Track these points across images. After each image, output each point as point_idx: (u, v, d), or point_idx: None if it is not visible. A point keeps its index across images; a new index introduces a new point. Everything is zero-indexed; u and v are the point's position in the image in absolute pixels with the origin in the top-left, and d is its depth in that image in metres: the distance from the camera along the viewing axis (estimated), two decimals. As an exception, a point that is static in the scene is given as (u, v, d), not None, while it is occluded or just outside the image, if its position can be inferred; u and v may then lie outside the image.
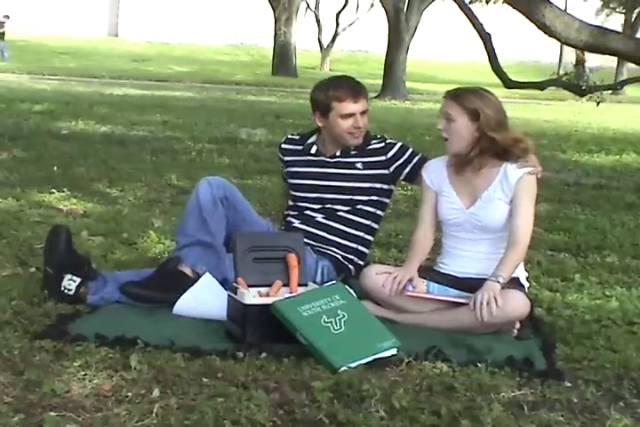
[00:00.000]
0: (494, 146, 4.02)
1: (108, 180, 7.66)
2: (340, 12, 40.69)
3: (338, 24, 40.70)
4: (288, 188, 4.78)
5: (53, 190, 6.90)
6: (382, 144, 4.54)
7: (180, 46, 43.68)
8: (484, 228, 4.09)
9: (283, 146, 4.76)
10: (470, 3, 25.34)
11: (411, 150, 4.53)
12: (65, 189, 6.96)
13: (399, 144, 4.52)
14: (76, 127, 11.99)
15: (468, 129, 4.02)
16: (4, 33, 33.68)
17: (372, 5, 39.12)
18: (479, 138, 4.02)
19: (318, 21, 41.48)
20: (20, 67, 28.02)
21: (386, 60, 26.35)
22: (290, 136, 4.80)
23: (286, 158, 4.71)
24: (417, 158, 4.50)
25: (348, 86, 4.50)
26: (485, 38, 9.71)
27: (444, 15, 36.65)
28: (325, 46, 40.98)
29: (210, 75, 30.82)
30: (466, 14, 9.69)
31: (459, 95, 4.07)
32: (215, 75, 31.19)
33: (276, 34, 34.87)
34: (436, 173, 4.24)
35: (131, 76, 27.65)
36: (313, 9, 41.48)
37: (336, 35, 40.79)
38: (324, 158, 4.57)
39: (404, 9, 25.90)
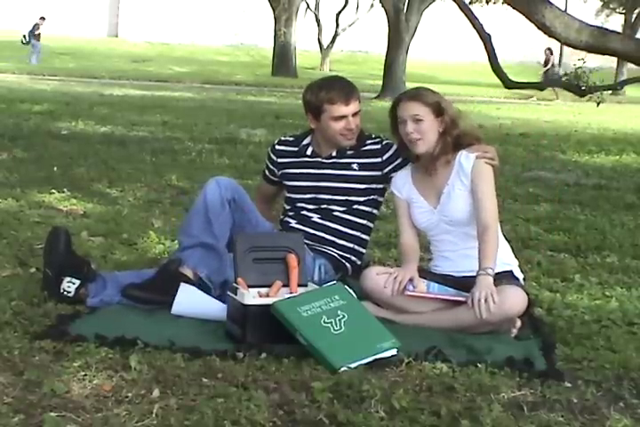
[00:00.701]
0: (455, 138, 4.09)
1: (107, 180, 7.66)
2: (339, 12, 40.69)
3: (338, 24, 40.69)
4: (268, 188, 4.85)
5: (53, 191, 6.90)
6: (379, 146, 4.54)
7: (180, 47, 43.67)
8: (453, 222, 4.14)
9: (277, 147, 4.74)
10: (470, 3, 25.33)
11: (403, 157, 4.54)
12: (65, 190, 6.96)
13: (395, 146, 4.52)
14: (76, 128, 11.99)
15: (435, 125, 4.11)
16: (39, 34, 34.19)
17: (371, 6, 39.13)
18: (444, 130, 4.10)
19: (318, 22, 41.48)
20: (20, 67, 28.00)
21: (386, 61, 26.34)
22: (283, 138, 4.79)
23: (280, 160, 4.68)
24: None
25: (340, 88, 4.49)
26: (485, 39, 9.71)
27: (444, 15, 36.65)
28: (325, 47, 40.98)
29: (210, 75, 30.82)
30: (466, 15, 9.70)
31: (417, 95, 4.17)
32: (215, 75, 31.18)
33: (275, 34, 34.85)
34: (401, 182, 4.33)
35: (131, 77, 27.65)
36: (313, 9, 41.49)
37: (336, 35, 40.79)
38: (319, 159, 4.57)
39: (404, 9, 25.89)
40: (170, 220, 6.05)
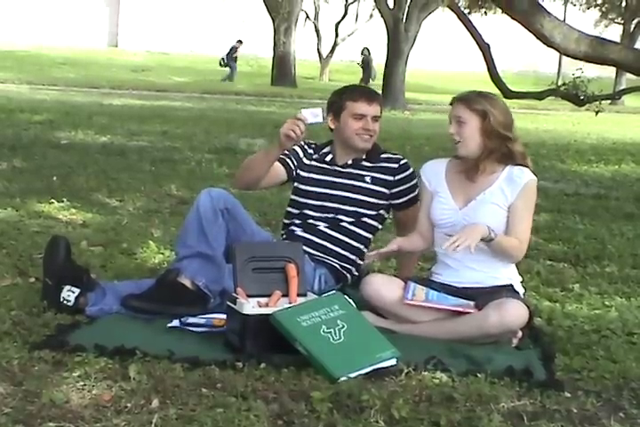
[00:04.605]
0: (501, 148, 4.05)
1: (107, 190, 7.66)
2: (339, 22, 40.71)
3: (337, 34, 40.71)
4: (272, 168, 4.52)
5: (53, 200, 6.90)
6: (396, 165, 4.58)
7: (180, 56, 43.68)
8: None
9: (307, 148, 4.69)
10: (469, 13, 25.29)
11: (415, 182, 4.58)
12: (64, 199, 6.96)
13: (410, 171, 4.58)
14: (76, 137, 11.98)
15: (478, 131, 4.05)
16: (236, 57, 36.16)
17: (371, 16, 39.14)
18: (488, 140, 4.04)
19: (317, 32, 41.52)
20: (20, 77, 28.01)
21: (385, 71, 26.35)
22: (309, 141, 4.75)
23: (305, 160, 4.66)
24: (413, 195, 4.58)
25: (363, 90, 4.68)
26: (484, 48, 9.73)
27: (443, 25, 36.68)
28: (325, 56, 40.98)
29: (209, 85, 30.81)
30: (465, 25, 9.73)
31: (467, 98, 4.12)
32: (215, 85, 31.18)
33: (275, 44, 34.88)
34: (432, 173, 4.27)
35: (130, 87, 27.63)
36: (312, 19, 41.51)
37: (335, 45, 40.80)
38: (336, 168, 4.59)
39: (403, 19, 25.91)
40: (169, 229, 6.05)
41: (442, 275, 4.21)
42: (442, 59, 45.86)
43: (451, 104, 4.19)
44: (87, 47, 43.71)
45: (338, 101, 4.55)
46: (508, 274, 4.14)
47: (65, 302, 4.06)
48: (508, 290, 4.05)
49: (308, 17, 40.37)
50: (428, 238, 4.28)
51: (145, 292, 4.10)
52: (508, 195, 4.06)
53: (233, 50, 36.52)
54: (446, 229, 4.15)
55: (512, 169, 4.09)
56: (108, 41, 48.54)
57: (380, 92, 25.11)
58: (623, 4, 37.01)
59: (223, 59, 36.28)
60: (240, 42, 37.03)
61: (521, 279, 4.27)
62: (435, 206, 4.20)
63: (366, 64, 35.88)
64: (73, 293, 4.07)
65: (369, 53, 35.93)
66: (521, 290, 4.20)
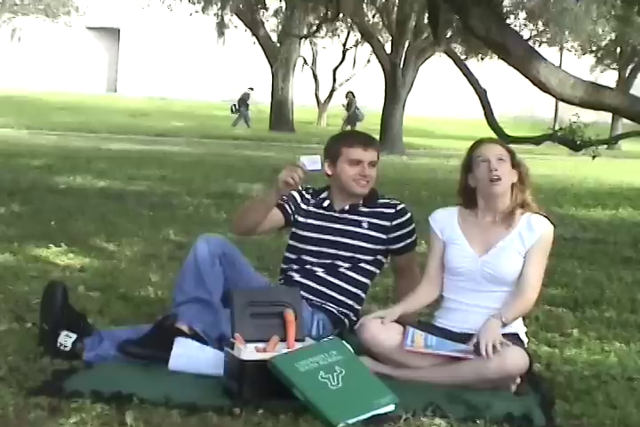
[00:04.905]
0: (524, 193, 4.11)
1: (105, 234, 7.66)
2: (336, 67, 40.99)
3: (335, 80, 40.99)
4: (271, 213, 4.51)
5: (51, 245, 6.90)
6: (392, 210, 4.57)
7: (179, 102, 43.95)
8: (494, 278, 4.09)
9: (305, 193, 4.68)
10: (466, 59, 25.53)
11: (413, 227, 4.58)
12: (62, 244, 6.96)
13: (408, 216, 4.58)
14: (74, 182, 12.01)
15: (511, 173, 4.12)
16: (248, 104, 36.56)
17: (368, 61, 39.40)
18: (515, 185, 4.12)
19: (315, 77, 41.79)
20: (19, 122, 28.14)
21: (383, 116, 26.50)
22: (307, 186, 4.75)
23: (302, 206, 4.66)
24: (411, 240, 4.58)
25: (360, 135, 4.70)
26: (481, 94, 9.79)
27: (440, 71, 36.95)
28: (323, 101, 41.23)
29: (208, 130, 30.96)
30: (462, 70, 9.79)
31: (497, 141, 4.32)
32: (213, 130, 31.33)
33: (273, 89, 35.12)
34: (444, 222, 4.27)
35: (129, 132, 27.77)
36: (310, 65, 41.80)
37: (333, 90, 41.05)
38: (333, 213, 4.59)
39: (401, 65, 26.13)
40: (167, 274, 6.04)
41: (445, 319, 4.20)
42: (439, 104, 46.11)
43: (474, 147, 4.20)
44: (87, 93, 43.97)
45: (334, 147, 4.57)
46: (514, 323, 4.12)
47: (62, 347, 4.04)
48: (513, 338, 4.02)
49: (305, 62, 40.63)
50: (437, 287, 4.27)
51: (142, 337, 4.08)
52: (527, 242, 4.08)
53: (244, 96, 36.82)
54: (463, 278, 4.16)
55: (531, 217, 4.12)
56: (107, 86, 48.88)
57: (377, 137, 25.24)
58: (618, 50, 37.33)
59: (234, 105, 36.66)
60: (251, 89, 37.47)
61: (525, 329, 4.26)
62: (452, 254, 4.19)
63: (351, 107, 36.10)
64: (70, 338, 4.06)
65: (353, 97, 36.24)
66: (525, 340, 4.18)
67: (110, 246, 7.21)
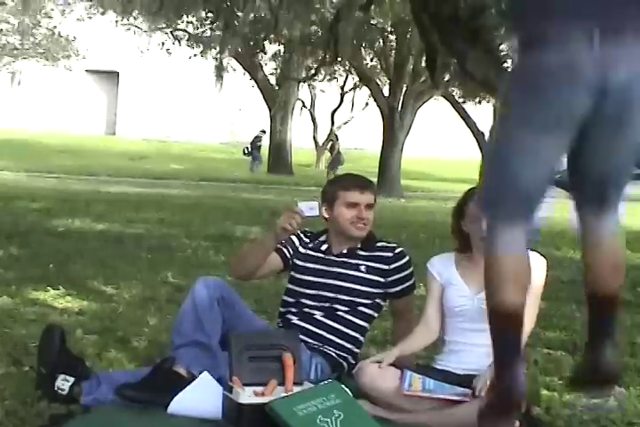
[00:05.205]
0: None
1: (103, 277, 7.65)
2: (335, 110, 41.19)
3: (333, 122, 41.18)
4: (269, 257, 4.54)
5: (49, 288, 6.89)
6: (390, 254, 4.58)
7: (177, 144, 44.12)
8: None
9: (303, 237, 4.69)
10: (463, 102, 25.70)
11: (411, 270, 4.59)
12: (60, 287, 6.95)
13: (406, 259, 4.58)
14: (73, 225, 12.01)
15: None
16: (260, 146, 36.85)
17: (366, 104, 39.65)
18: None
19: (314, 120, 41.99)
20: (18, 165, 28.23)
21: (381, 158, 26.63)
22: (306, 229, 4.75)
23: (301, 249, 4.67)
24: (409, 283, 4.58)
25: (356, 178, 4.66)
26: (479, 137, 9.85)
27: (438, 113, 37.17)
28: (321, 144, 41.39)
29: (206, 172, 31.05)
30: (459, 113, 9.85)
31: None
32: (211, 172, 31.42)
33: (271, 132, 35.32)
34: (442, 265, 4.32)
35: (128, 174, 27.86)
36: (308, 108, 42.04)
37: (331, 133, 41.27)
38: (331, 257, 4.59)
39: (399, 108, 26.29)
40: (165, 317, 6.03)
41: (447, 361, 4.21)
42: (437, 145, 46.33)
43: (465, 196, 4.26)
44: (86, 135, 44.16)
45: (331, 191, 4.58)
46: None
47: (59, 391, 4.02)
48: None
49: (304, 105, 40.87)
50: (435, 329, 4.29)
51: (140, 381, 4.06)
52: None
53: (256, 139, 36.97)
54: (462, 318, 4.19)
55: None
56: (106, 129, 49.12)
57: (375, 179, 25.36)
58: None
59: (247, 147, 36.82)
60: (263, 131, 37.67)
61: (525, 370, 4.24)
62: (450, 294, 4.24)
63: (334, 150, 36.13)
64: (67, 382, 4.04)
65: (336, 139, 36.29)
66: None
67: (108, 289, 7.20)
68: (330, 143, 36.71)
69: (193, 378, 4.06)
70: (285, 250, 4.61)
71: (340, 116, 41.48)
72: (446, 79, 18.22)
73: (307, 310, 4.53)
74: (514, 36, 3.10)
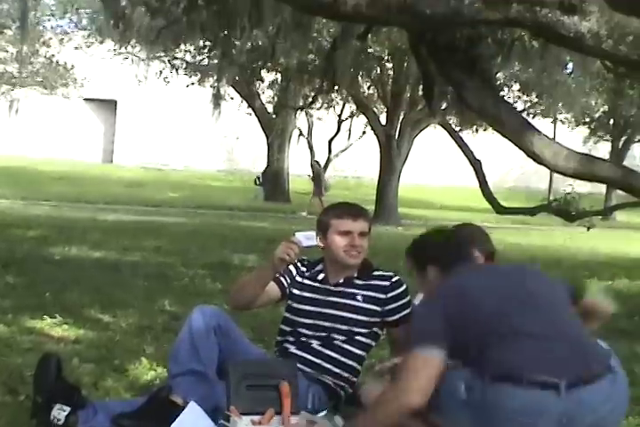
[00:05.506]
0: None
1: (100, 306, 7.63)
2: (332, 138, 41.21)
3: (330, 150, 41.22)
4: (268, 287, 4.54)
5: (45, 316, 6.88)
6: (387, 282, 4.58)
7: (175, 172, 44.16)
8: None
9: (300, 266, 4.67)
10: (460, 130, 25.78)
11: (408, 299, 4.59)
12: (57, 315, 6.94)
13: (403, 288, 4.58)
14: (70, 253, 12.00)
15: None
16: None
17: (363, 132, 39.69)
18: None
19: (311, 148, 42.00)
20: (14, 193, 28.22)
21: (378, 186, 26.66)
22: (303, 258, 4.73)
23: (298, 278, 4.66)
24: (406, 312, 4.56)
25: (349, 206, 4.65)
26: (476, 165, 9.87)
27: (435, 141, 37.26)
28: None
29: (203, 200, 31.05)
30: (456, 141, 9.88)
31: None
32: (208, 200, 31.42)
33: (269, 160, 35.37)
34: None
35: (125, 202, 27.85)
36: (306, 136, 42.11)
37: (328, 161, 41.25)
38: (328, 286, 4.58)
39: (396, 136, 26.36)
40: (162, 346, 6.00)
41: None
42: (435, 173, 46.41)
43: None
44: (82, 163, 44.20)
45: (324, 220, 4.57)
46: None
47: (55, 420, 4.01)
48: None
49: (301, 133, 40.95)
50: None
51: (137, 410, 4.06)
52: None
53: (268, 169, 37.12)
54: None
55: None
56: (104, 157, 49.16)
57: (372, 207, 25.31)
58: (611, 121, 37.71)
59: (258, 177, 36.78)
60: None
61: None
62: None
63: (317, 176, 35.87)
64: (63, 411, 4.02)
65: (320, 166, 36.22)
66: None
67: (105, 318, 7.19)
68: (313, 170, 36.38)
69: (190, 407, 4.05)
70: (283, 279, 4.60)
71: (337, 144, 41.56)
72: (443, 108, 18.25)
73: (304, 339, 4.51)
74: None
